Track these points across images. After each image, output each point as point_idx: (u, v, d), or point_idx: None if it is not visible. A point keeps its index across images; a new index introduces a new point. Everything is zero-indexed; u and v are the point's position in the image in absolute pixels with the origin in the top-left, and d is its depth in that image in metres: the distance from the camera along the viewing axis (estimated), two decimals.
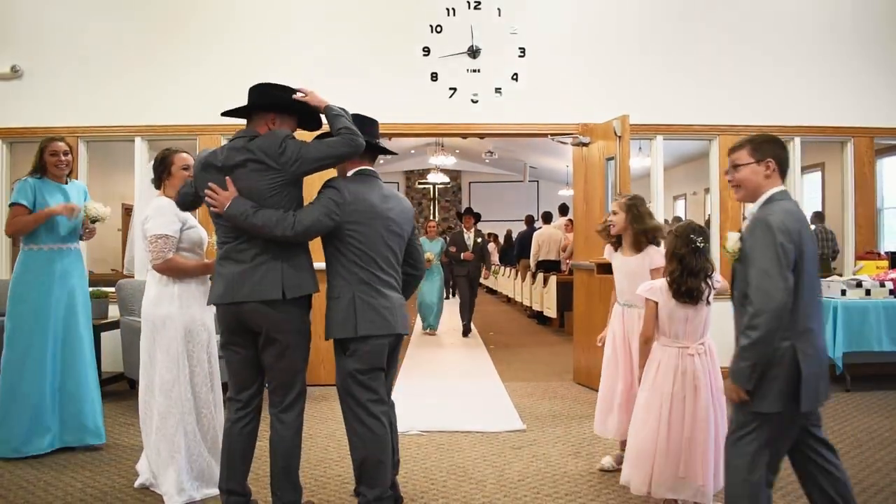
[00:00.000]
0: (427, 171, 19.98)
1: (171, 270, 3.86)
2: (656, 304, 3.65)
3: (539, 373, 7.74)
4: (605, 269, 5.72)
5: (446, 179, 20.58)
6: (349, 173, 3.57)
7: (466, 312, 11.03)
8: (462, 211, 11.92)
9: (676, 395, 3.58)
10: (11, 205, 4.62)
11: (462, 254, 10.86)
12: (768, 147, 2.96)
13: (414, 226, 3.84)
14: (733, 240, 2.97)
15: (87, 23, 7.21)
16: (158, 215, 3.86)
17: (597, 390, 6.54)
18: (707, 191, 10.11)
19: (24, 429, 4.55)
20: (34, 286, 4.60)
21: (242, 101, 3.46)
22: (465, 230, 11.09)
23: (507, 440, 5.14)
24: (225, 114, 3.48)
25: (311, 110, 3.51)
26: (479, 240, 11.01)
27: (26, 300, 4.59)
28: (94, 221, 4.79)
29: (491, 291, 18.75)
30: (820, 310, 2.92)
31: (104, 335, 6.43)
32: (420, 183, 22.16)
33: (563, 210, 13.45)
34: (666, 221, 8.76)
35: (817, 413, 2.98)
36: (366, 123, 3.64)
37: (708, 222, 9.75)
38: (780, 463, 2.92)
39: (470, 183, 22.50)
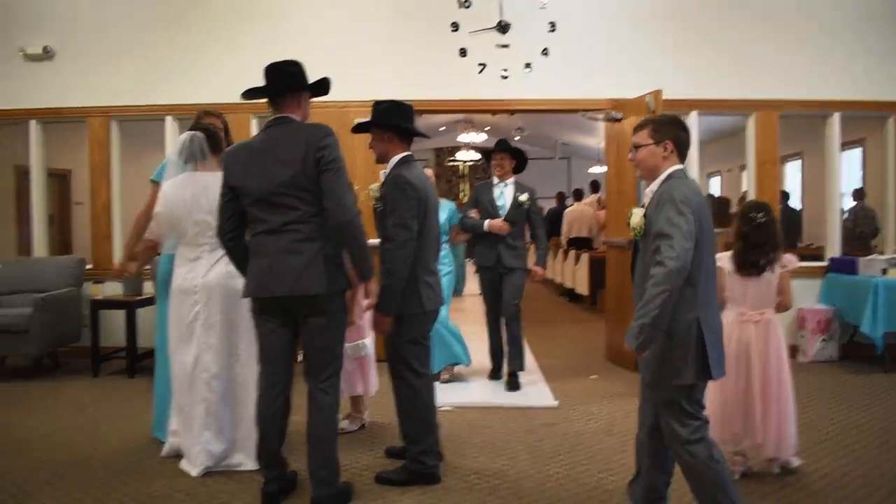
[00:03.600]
0: (456, 148, 19.86)
1: None
2: (722, 269, 3.85)
3: (571, 350, 7.71)
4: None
5: (476, 156, 20.40)
6: (396, 158, 3.80)
7: (495, 339, 6.24)
8: (492, 147, 6.30)
9: (729, 357, 3.75)
10: (152, 181, 4.61)
11: (486, 222, 5.99)
12: (668, 129, 3.02)
13: None
14: (637, 216, 3.01)
15: (116, 2, 7.22)
16: None
17: (629, 368, 6.53)
18: (742, 167, 9.94)
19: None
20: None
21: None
22: (496, 179, 6.17)
23: (539, 416, 5.13)
24: (250, 95, 3.57)
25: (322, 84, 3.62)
26: (525, 197, 6.03)
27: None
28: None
29: None
30: (716, 284, 3.05)
31: (140, 311, 6.53)
32: (450, 161, 22.06)
33: (595, 187, 13.34)
34: None
35: None
36: (404, 109, 3.87)
37: (743, 199, 9.63)
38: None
39: None
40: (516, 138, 16.57)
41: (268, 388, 3.51)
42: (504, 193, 6.08)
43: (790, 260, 3.89)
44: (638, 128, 3.10)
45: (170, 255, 4.34)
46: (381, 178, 4.12)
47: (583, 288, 11.11)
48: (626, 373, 6.46)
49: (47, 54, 7.19)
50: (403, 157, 3.82)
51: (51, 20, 7.23)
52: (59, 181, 10.21)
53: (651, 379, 3.02)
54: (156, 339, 4.64)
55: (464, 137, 16.62)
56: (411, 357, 3.78)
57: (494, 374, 6.21)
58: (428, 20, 7.14)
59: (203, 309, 3.99)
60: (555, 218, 13.14)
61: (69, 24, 7.22)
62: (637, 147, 3.07)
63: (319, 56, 3.60)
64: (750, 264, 3.82)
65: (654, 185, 3.01)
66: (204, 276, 4.00)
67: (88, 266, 7.14)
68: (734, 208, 10.47)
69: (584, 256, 10.95)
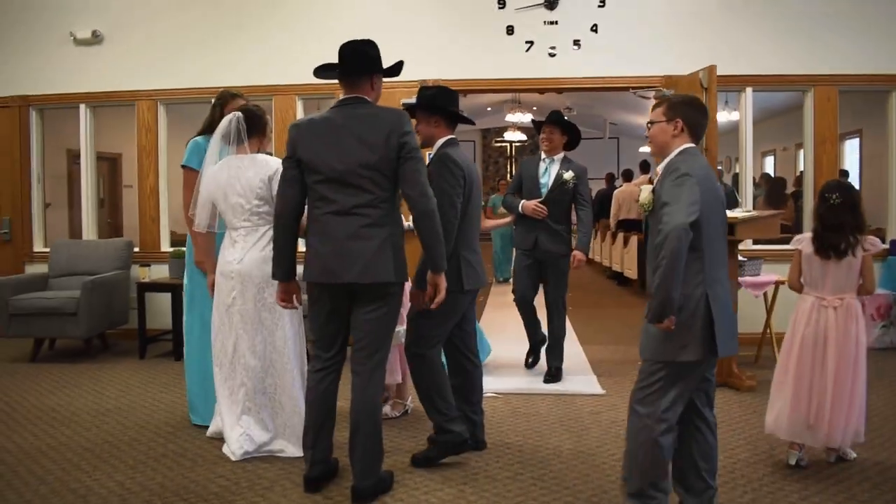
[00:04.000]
0: (504, 129, 19.70)
1: None
2: (800, 252, 3.84)
3: (619, 335, 7.55)
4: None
5: (524, 137, 20.17)
6: (441, 141, 3.86)
7: (532, 324, 5.81)
8: (544, 119, 5.75)
9: (806, 343, 3.76)
10: (183, 167, 4.54)
11: (521, 203, 5.53)
12: (681, 108, 3.03)
13: None
14: (646, 192, 3.01)
15: None
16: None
17: None
18: (798, 146, 9.61)
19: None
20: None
21: (316, 59, 3.51)
22: (543, 154, 5.66)
23: (585, 404, 5.01)
24: (322, 73, 3.49)
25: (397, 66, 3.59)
26: (570, 175, 5.47)
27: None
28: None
29: None
30: (725, 260, 3.01)
31: None
32: (497, 141, 21.89)
33: (645, 167, 13.05)
34: (753, 180, 8.38)
35: (711, 383, 3.08)
36: (450, 94, 3.97)
37: (799, 179, 9.31)
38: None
39: None
40: (565, 117, 16.32)
41: (318, 371, 3.47)
42: (549, 170, 5.55)
43: (873, 242, 3.75)
44: (655, 105, 3.13)
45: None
46: (426, 159, 4.07)
47: (632, 271, 10.90)
48: None
49: (96, 38, 7.27)
50: (448, 139, 3.89)
51: (99, 4, 7.30)
52: (110, 164, 10.35)
53: (650, 353, 2.95)
54: (185, 321, 4.65)
55: (511, 118, 16.42)
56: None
57: (533, 361, 5.91)
58: None
59: (239, 296, 3.96)
60: (604, 199, 12.93)
61: (118, 9, 7.28)
62: (651, 124, 3.11)
63: (363, 36, 3.49)
64: (827, 246, 3.71)
65: (671, 157, 3.00)
66: (240, 261, 3.95)
67: (136, 249, 7.21)
68: (790, 189, 10.14)
69: (633, 239, 10.73)
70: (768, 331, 6.05)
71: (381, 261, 3.27)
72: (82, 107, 7.34)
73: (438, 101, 3.88)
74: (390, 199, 3.33)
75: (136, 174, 7.42)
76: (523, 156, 21.16)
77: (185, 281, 4.64)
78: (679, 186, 2.79)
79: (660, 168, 3.03)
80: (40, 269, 7.12)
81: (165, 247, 7.24)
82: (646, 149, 16.75)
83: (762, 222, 5.21)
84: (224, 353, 4.04)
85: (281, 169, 3.70)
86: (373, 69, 3.42)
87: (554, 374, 5.56)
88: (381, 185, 3.28)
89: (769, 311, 5.99)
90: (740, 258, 5.61)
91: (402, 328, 4.47)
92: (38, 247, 7.49)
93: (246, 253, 3.95)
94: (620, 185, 12.85)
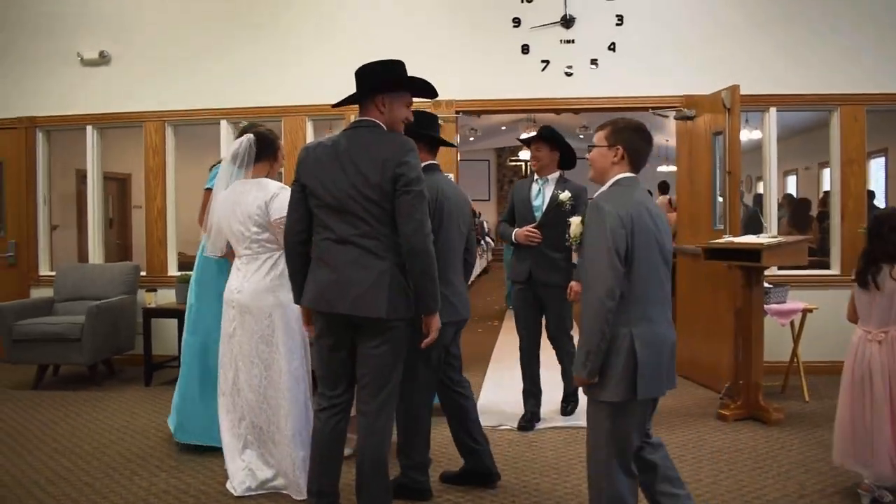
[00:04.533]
0: (518, 147, 19.54)
1: None
2: (853, 286, 3.82)
3: None
4: (713, 254, 5.26)
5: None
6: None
7: (529, 377, 5.12)
8: (532, 135, 5.25)
9: (856, 376, 3.70)
10: (207, 190, 4.49)
11: (513, 232, 5.01)
12: (624, 134, 2.94)
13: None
14: (575, 224, 2.98)
15: (171, 7, 7.16)
16: (286, 197, 3.58)
17: (703, 385, 6.13)
18: (822, 165, 9.37)
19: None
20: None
21: (326, 80, 3.37)
22: (536, 177, 5.13)
23: None
24: (336, 105, 3.40)
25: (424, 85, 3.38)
26: (566, 196, 4.83)
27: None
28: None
29: None
30: (663, 298, 2.88)
31: None
32: (511, 160, 21.78)
33: (664, 188, 12.84)
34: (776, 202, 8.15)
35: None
36: (431, 118, 3.95)
37: (823, 200, 9.07)
38: (633, 451, 2.89)
39: None
40: (580, 137, 16.19)
41: (323, 411, 3.27)
42: (543, 192, 4.99)
43: None
44: (599, 128, 3.03)
45: (205, 257, 4.33)
46: None
47: None
48: (697, 388, 6.07)
49: (104, 59, 7.18)
50: (426, 164, 3.72)
51: (107, 25, 7.21)
52: (120, 185, 10.25)
53: (586, 390, 2.88)
54: (185, 340, 4.52)
55: (526, 137, 16.27)
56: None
57: (525, 423, 5.02)
58: (488, 16, 6.86)
59: (239, 326, 3.82)
60: None
61: (125, 29, 7.20)
62: (591, 147, 3.03)
63: (372, 56, 3.33)
64: (859, 273, 3.72)
65: (602, 190, 2.95)
66: (240, 290, 3.82)
67: (143, 273, 7.08)
68: (814, 210, 9.89)
69: None
70: (795, 360, 5.81)
71: (375, 295, 3.05)
72: (89, 128, 7.24)
73: (420, 126, 3.72)
74: (390, 231, 3.10)
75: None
76: None
77: (192, 300, 4.52)
78: (599, 238, 2.72)
79: (597, 194, 2.92)
80: (46, 293, 6.99)
81: (173, 271, 7.10)
82: (663, 167, 16.56)
83: (789, 248, 5.00)
84: (226, 384, 3.91)
85: (277, 193, 3.61)
86: (376, 90, 3.20)
87: (569, 402, 5.29)
88: (379, 218, 3.07)
89: (796, 339, 5.75)
90: (766, 285, 5.39)
91: None
92: (44, 270, 7.36)
93: (246, 282, 3.81)
94: None
